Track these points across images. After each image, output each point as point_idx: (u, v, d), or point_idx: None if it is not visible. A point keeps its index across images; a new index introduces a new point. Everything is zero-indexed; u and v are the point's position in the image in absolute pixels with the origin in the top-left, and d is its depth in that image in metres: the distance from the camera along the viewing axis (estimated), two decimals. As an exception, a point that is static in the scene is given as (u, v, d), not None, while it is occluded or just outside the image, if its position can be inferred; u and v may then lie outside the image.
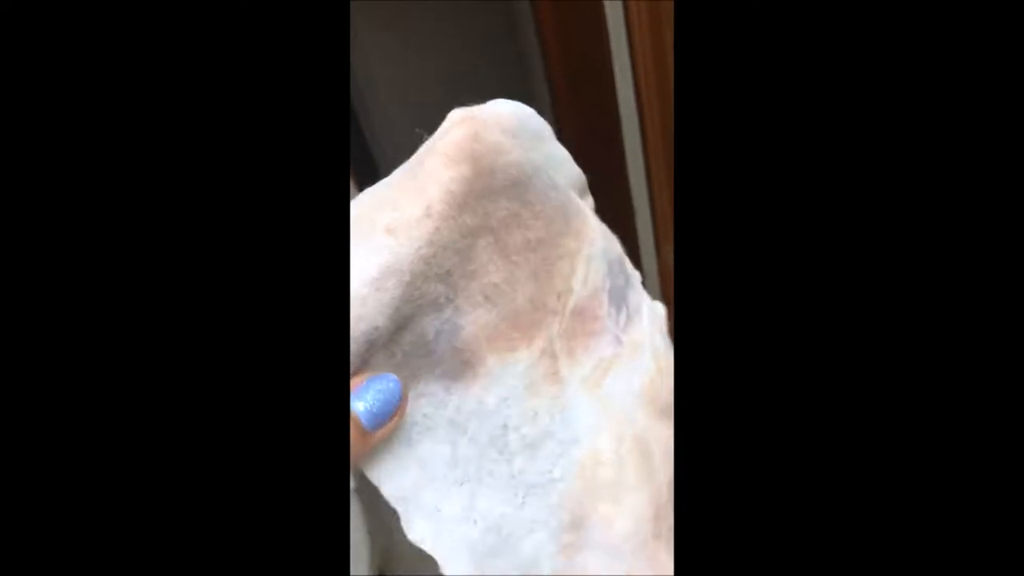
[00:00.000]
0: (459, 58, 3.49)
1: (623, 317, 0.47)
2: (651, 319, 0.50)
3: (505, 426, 0.39)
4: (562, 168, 0.46)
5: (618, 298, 0.47)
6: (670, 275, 1.57)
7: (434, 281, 0.36)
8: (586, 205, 0.48)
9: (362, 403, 0.35)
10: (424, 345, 0.37)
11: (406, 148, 0.42)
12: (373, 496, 0.41)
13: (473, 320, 0.38)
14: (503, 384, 0.39)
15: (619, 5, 1.32)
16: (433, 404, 0.37)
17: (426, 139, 0.40)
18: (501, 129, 0.40)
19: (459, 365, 0.38)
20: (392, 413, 0.35)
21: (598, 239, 0.46)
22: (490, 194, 0.38)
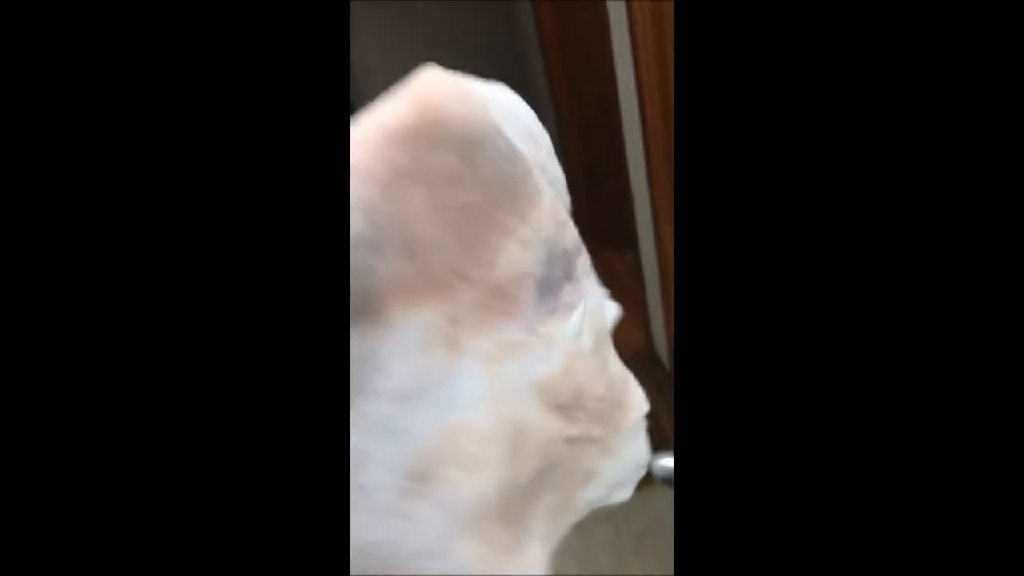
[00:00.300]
0: (458, 55, 3.48)
1: (546, 309, 0.47)
2: (589, 320, 0.50)
3: (386, 375, 0.40)
4: (554, 183, 0.47)
5: (548, 290, 0.46)
6: (669, 257, 1.57)
7: (352, 211, 0.37)
8: (550, 195, 0.47)
9: None
10: None
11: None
12: None
13: (391, 267, 0.38)
14: (399, 336, 0.39)
15: (622, 5, 1.32)
16: None
17: None
18: (477, 97, 0.40)
19: (364, 309, 0.38)
20: None
21: (546, 227, 0.45)
22: (434, 144, 0.38)
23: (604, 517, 1.59)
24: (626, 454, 0.57)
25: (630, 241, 1.88)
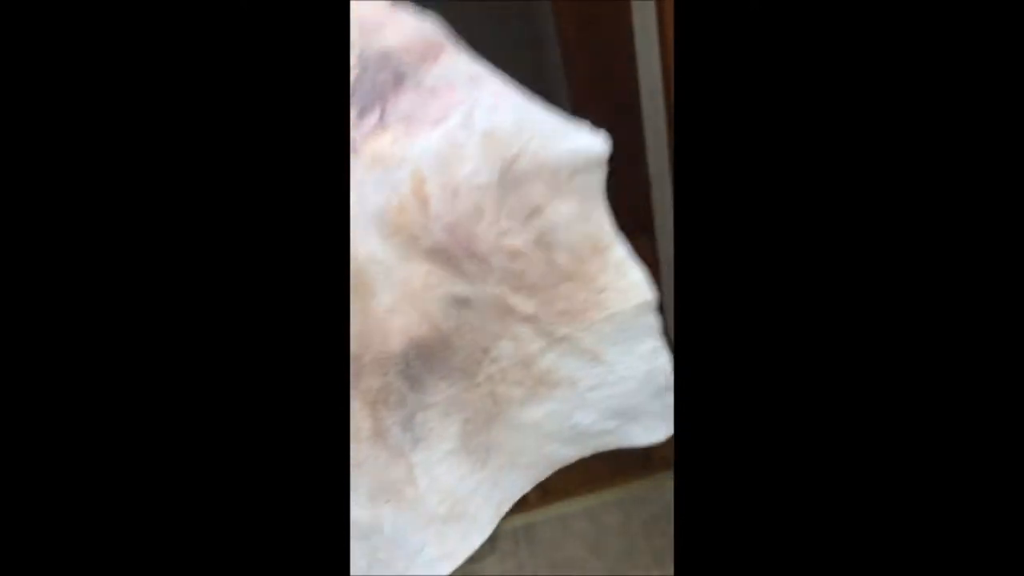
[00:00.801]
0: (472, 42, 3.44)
1: (370, 121, 0.39)
2: (483, 144, 0.40)
3: None
4: None
5: (367, 98, 0.39)
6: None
7: None
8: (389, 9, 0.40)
9: None
10: None
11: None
12: None
13: None
14: None
15: (651, 10, 1.31)
16: None
17: None
18: None
19: None
20: None
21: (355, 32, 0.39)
22: None
23: (614, 504, 1.59)
24: (618, 363, 0.46)
25: (645, 229, 1.88)
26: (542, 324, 0.43)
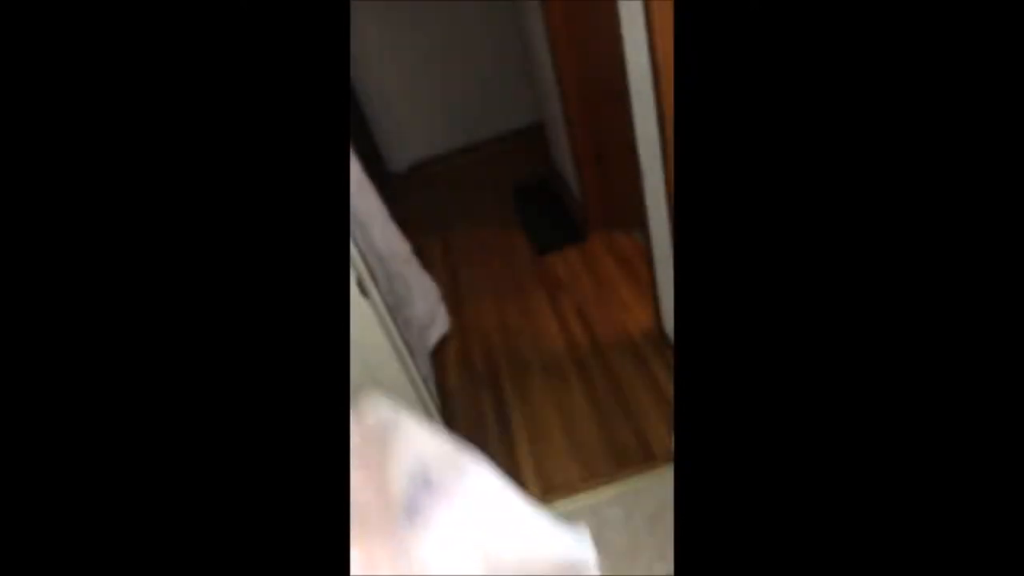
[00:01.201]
0: (464, 34, 3.46)
1: (414, 526, 0.47)
2: (473, 542, 0.48)
3: None
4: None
5: (412, 510, 0.48)
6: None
7: None
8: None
9: None
10: None
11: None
12: None
13: None
14: None
15: (638, 5, 1.30)
16: None
17: None
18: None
19: None
20: None
21: (408, 459, 0.50)
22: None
23: (615, 499, 1.59)
24: None
25: (639, 222, 1.88)
26: None
